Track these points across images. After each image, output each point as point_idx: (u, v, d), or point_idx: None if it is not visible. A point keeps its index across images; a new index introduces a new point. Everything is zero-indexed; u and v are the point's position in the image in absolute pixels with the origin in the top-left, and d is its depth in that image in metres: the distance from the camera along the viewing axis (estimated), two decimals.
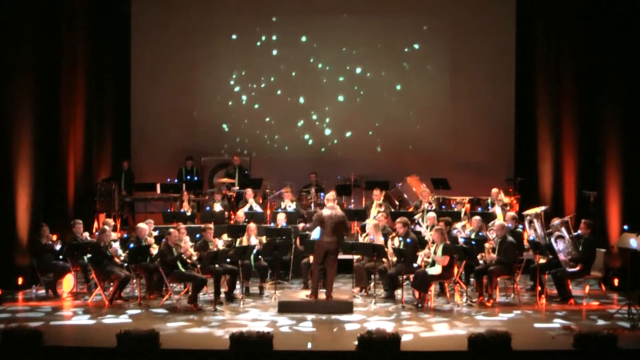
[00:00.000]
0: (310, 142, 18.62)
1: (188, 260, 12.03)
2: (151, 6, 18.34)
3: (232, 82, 18.65)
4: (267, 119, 18.66)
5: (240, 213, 14.50)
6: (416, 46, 18.45)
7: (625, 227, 12.12)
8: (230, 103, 18.66)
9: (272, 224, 14.47)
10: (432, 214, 13.60)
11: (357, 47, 18.53)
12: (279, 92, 18.64)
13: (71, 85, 15.39)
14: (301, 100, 18.66)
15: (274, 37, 18.59)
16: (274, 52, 18.61)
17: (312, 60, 18.61)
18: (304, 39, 18.60)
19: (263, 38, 18.58)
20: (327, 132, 18.62)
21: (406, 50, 18.46)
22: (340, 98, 18.63)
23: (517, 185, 16.80)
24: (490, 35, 18.12)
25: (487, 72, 18.13)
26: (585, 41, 14.82)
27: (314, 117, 18.64)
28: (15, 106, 13.15)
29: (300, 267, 13.25)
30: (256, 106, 18.66)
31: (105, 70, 17.32)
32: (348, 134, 18.59)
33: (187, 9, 18.31)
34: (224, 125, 18.62)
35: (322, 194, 16.13)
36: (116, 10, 17.91)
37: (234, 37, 18.57)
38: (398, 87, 18.53)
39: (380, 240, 12.72)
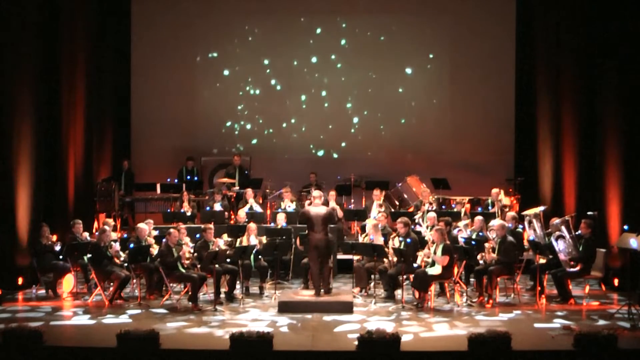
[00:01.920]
0: (311, 142, 18.60)
1: (185, 262, 12.03)
2: (151, 6, 18.34)
3: (232, 82, 18.64)
4: (268, 119, 18.65)
5: (242, 213, 14.51)
6: (416, 46, 18.45)
7: (625, 227, 12.11)
8: (230, 103, 18.65)
9: (272, 224, 14.48)
10: (432, 214, 13.61)
11: (358, 47, 18.52)
12: (279, 92, 18.64)
13: (71, 85, 15.38)
14: (302, 99, 18.66)
15: (274, 37, 18.58)
16: (275, 52, 18.59)
17: (313, 60, 18.61)
18: (304, 39, 18.60)
19: (263, 38, 18.58)
20: (328, 131, 18.61)
21: (406, 50, 18.44)
22: (340, 97, 18.62)
23: (517, 185, 16.79)
24: (490, 35, 18.12)
25: (487, 72, 18.13)
26: (585, 41, 14.82)
27: (314, 116, 18.63)
28: (15, 106, 13.15)
29: (301, 267, 13.25)
30: (257, 106, 18.66)
31: (105, 70, 17.31)
32: (348, 133, 18.59)
33: (187, 8, 18.31)
34: (224, 125, 18.62)
35: None
36: (116, 10, 17.91)
37: (234, 37, 18.57)
38: (398, 87, 18.52)
39: (380, 240, 12.73)
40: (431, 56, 18.46)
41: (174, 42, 18.31)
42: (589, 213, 13.52)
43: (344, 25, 18.52)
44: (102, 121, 17.29)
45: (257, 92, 18.68)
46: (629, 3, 13.29)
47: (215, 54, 18.59)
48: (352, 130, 18.58)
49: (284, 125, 18.65)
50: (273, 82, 18.65)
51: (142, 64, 18.37)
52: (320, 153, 18.56)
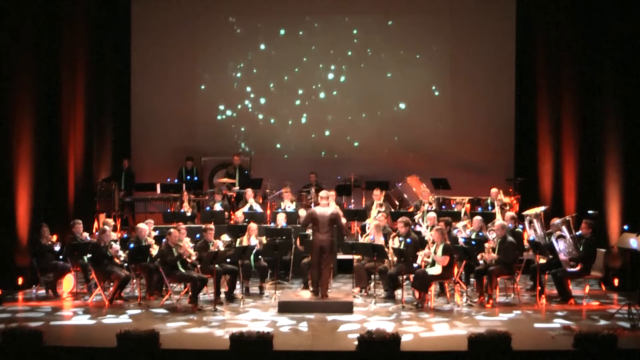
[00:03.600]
0: (311, 142, 18.60)
1: (188, 260, 12.03)
2: (152, 6, 18.33)
3: (232, 82, 18.64)
4: (268, 119, 18.65)
5: (239, 213, 14.50)
6: (416, 46, 18.44)
7: (625, 227, 12.11)
8: (230, 103, 18.66)
9: (272, 224, 14.47)
10: (432, 214, 13.60)
11: (358, 47, 18.52)
12: (279, 92, 18.64)
13: (71, 85, 15.38)
14: (301, 100, 18.65)
15: (275, 38, 18.60)
16: (275, 53, 18.60)
17: (312, 60, 18.60)
18: (305, 39, 18.59)
19: (264, 38, 18.58)
20: (327, 132, 18.62)
21: (406, 50, 18.44)
22: (340, 98, 18.62)
23: (517, 185, 16.79)
24: (490, 35, 18.12)
25: (487, 72, 18.13)
26: (585, 41, 14.82)
27: (314, 116, 18.63)
28: (15, 106, 13.15)
29: (300, 267, 13.24)
30: (257, 106, 18.67)
31: (105, 70, 17.31)
32: (348, 133, 18.58)
33: (188, 9, 18.31)
34: (224, 125, 18.62)
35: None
36: (116, 10, 17.92)
37: (234, 37, 18.56)
38: (398, 87, 18.51)
39: (380, 240, 12.73)
40: (431, 56, 18.44)
41: (174, 42, 18.30)
42: (589, 212, 13.52)
43: (343, 22, 18.52)
44: (102, 121, 17.29)
45: (258, 92, 18.66)
46: (629, 3, 13.29)
47: (215, 54, 18.57)
48: (353, 130, 18.56)
49: (284, 125, 18.64)
50: (274, 82, 18.64)
51: (142, 64, 18.37)
52: (321, 153, 18.53)
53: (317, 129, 18.63)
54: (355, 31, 18.52)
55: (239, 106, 18.67)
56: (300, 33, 18.58)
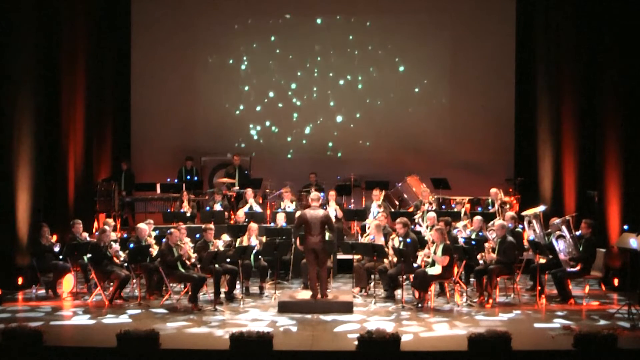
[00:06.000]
0: (311, 142, 18.60)
1: (187, 262, 12.03)
2: (151, 6, 18.34)
3: (232, 83, 18.64)
4: (268, 119, 18.66)
5: (241, 213, 14.51)
6: (416, 46, 18.44)
7: (625, 227, 12.12)
8: (230, 103, 18.66)
9: (272, 224, 14.48)
10: (432, 214, 13.61)
11: (358, 47, 18.52)
12: (279, 91, 18.64)
13: (71, 85, 15.39)
14: (301, 100, 18.65)
15: (274, 37, 18.60)
16: (275, 52, 18.60)
17: (312, 60, 18.61)
18: (304, 39, 18.59)
19: (263, 38, 18.58)
20: (327, 131, 18.61)
21: (406, 50, 18.45)
22: (341, 98, 18.62)
23: (517, 185, 16.79)
24: (490, 35, 18.11)
25: (487, 72, 18.12)
26: (585, 40, 14.82)
27: (314, 116, 18.63)
28: (15, 106, 13.15)
29: (300, 267, 13.25)
30: (257, 106, 18.68)
31: (105, 70, 17.31)
32: (348, 133, 18.58)
33: (188, 9, 18.32)
34: (224, 125, 18.61)
35: (322, 193, 16.13)
36: (117, 10, 17.92)
37: (234, 36, 18.57)
38: (398, 87, 18.51)
39: (381, 240, 12.73)
40: (431, 56, 18.43)
41: (174, 42, 18.31)
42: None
43: (344, 23, 18.52)
44: (102, 121, 17.29)
45: (258, 92, 18.66)
46: (629, 3, 13.29)
47: (215, 54, 18.58)
48: (353, 130, 18.56)
49: (285, 125, 18.63)
50: (274, 82, 18.64)
51: (142, 64, 18.37)
52: (321, 153, 18.52)
53: (317, 129, 18.62)
54: (355, 30, 18.50)
55: (239, 106, 18.67)
56: (300, 33, 18.54)
